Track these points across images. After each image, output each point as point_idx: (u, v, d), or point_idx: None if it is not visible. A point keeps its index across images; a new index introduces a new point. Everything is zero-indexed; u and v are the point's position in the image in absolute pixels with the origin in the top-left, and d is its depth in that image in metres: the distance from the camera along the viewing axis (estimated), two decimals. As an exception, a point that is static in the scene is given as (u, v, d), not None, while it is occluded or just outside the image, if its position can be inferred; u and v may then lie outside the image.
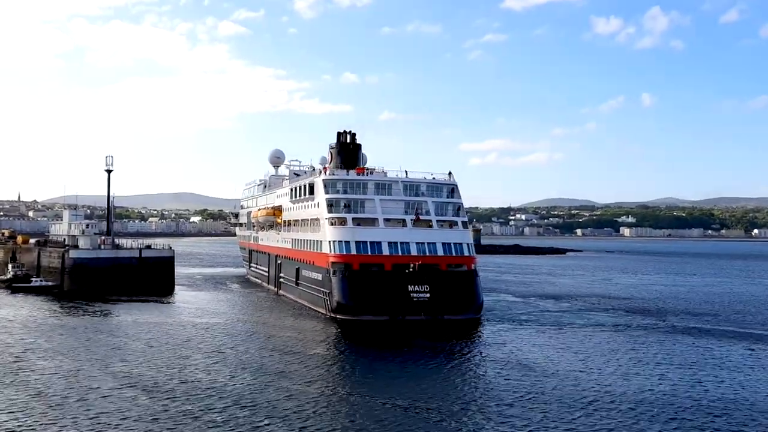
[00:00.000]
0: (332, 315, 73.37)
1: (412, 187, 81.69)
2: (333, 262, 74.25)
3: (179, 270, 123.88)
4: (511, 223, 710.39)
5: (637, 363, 53.16)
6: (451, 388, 44.48)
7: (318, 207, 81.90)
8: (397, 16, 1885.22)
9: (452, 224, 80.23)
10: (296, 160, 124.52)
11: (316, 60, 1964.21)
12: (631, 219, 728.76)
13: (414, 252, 74.43)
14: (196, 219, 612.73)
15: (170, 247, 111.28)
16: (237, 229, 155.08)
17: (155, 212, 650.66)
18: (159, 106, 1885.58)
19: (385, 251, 74.08)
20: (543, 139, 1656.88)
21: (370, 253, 73.88)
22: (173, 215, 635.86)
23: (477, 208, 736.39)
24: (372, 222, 77.30)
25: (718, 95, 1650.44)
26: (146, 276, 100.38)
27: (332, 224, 76.92)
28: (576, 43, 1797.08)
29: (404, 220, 77.74)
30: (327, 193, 79.91)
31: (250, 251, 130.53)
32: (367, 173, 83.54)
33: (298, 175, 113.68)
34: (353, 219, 77.14)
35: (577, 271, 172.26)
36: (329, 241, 75.97)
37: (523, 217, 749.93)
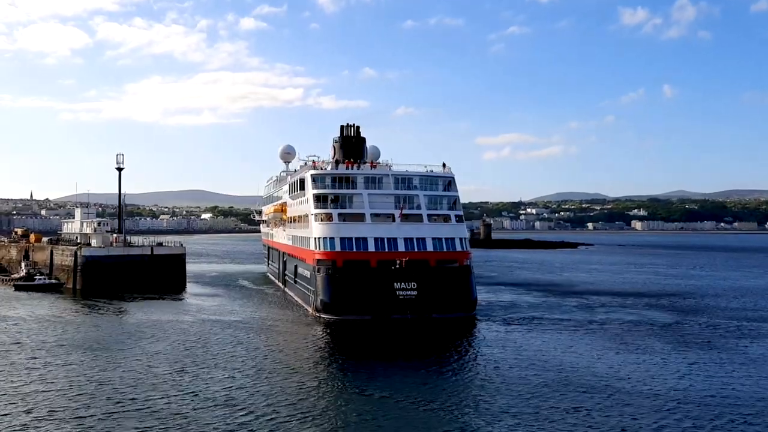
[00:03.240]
0: (317, 314, 71.20)
1: (403, 180, 78.30)
2: (318, 260, 72.12)
3: (193, 267, 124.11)
4: (522, 217, 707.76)
5: (669, 367, 50.84)
6: (431, 391, 42.69)
7: (307, 202, 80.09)
8: (421, 9, 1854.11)
9: (446, 218, 77.03)
10: (314, 156, 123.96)
11: (336, 55, 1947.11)
12: (642, 212, 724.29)
13: (401, 248, 71.27)
14: (207, 216, 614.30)
15: (181, 244, 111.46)
16: (261, 225, 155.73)
17: (166, 209, 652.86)
18: (173, 103, 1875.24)
19: (371, 247, 71.19)
20: (558, 133, 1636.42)
21: (354, 250, 71.21)
22: (184, 212, 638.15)
23: (487, 202, 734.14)
24: (359, 217, 74.71)
25: (740, 86, 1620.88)
26: (158, 273, 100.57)
27: (319, 220, 74.80)
28: (601, 35, 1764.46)
29: (393, 215, 75.06)
30: (315, 188, 77.94)
31: (268, 248, 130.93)
32: (359, 166, 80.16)
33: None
34: (339, 214, 74.80)
35: (591, 266, 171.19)
36: (314, 238, 74.19)
37: (534, 211, 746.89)
